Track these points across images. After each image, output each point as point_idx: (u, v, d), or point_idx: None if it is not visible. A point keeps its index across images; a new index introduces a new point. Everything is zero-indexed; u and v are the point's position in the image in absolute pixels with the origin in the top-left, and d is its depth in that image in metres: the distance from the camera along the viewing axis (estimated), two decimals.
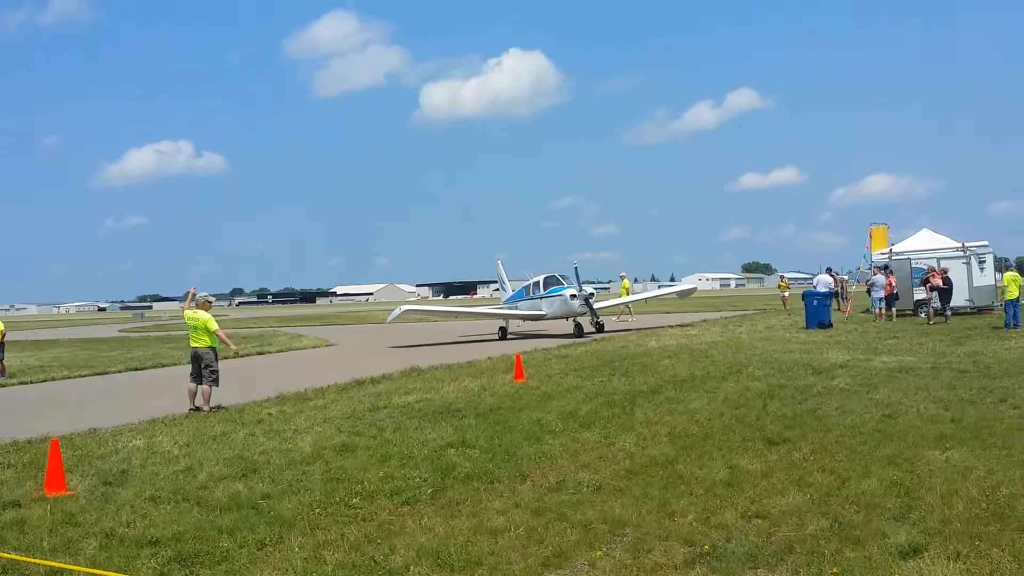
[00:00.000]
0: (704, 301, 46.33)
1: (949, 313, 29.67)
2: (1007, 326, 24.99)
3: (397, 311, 33.97)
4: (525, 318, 33.86)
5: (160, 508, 8.17)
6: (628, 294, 42.42)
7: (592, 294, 31.75)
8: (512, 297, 36.54)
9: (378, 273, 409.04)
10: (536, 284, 33.19)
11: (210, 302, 15.69)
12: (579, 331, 30.73)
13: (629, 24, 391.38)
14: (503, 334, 33.11)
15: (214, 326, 14.94)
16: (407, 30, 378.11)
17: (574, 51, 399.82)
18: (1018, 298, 25.47)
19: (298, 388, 16.69)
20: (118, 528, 7.49)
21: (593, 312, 31.92)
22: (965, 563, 5.76)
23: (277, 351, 30.49)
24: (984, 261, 33.16)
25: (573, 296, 30.57)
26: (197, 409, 14.57)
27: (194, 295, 15.42)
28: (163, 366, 25.72)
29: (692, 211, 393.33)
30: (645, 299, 43.66)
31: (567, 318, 31.91)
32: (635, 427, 11.27)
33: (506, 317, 34.25)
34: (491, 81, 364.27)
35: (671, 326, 33.16)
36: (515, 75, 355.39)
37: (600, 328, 32.50)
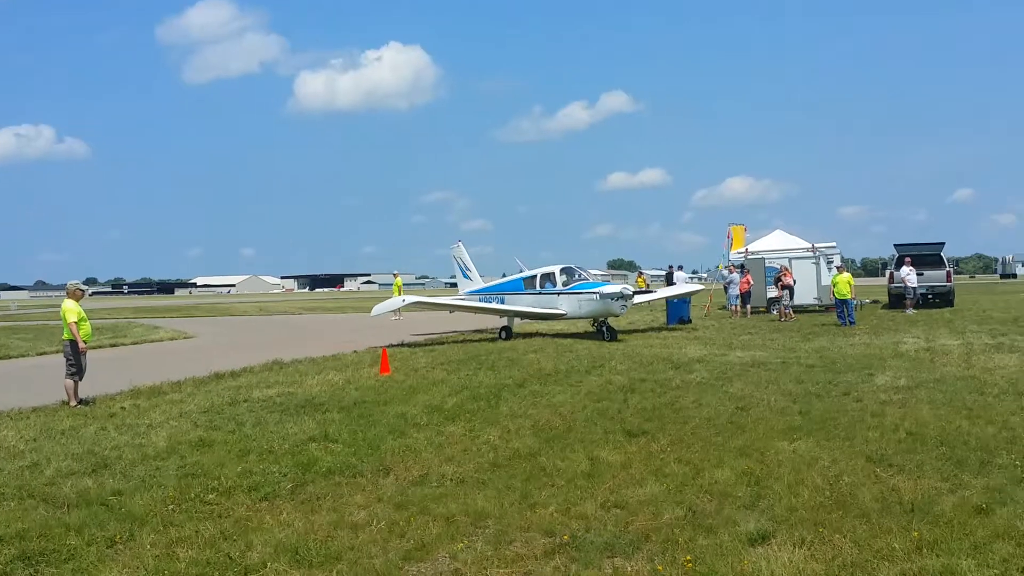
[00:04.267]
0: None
1: (788, 310, 31.30)
2: (843, 323, 26.58)
3: (399, 301, 26.87)
4: (530, 316, 27.35)
5: (3, 505, 7.78)
6: (401, 292, 40.06)
7: (632, 295, 25.37)
8: (493, 288, 29.51)
9: (242, 264, 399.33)
10: (547, 276, 26.52)
11: (82, 290, 14.80)
12: (611, 334, 24.08)
13: (508, 23, 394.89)
14: (508, 334, 25.89)
15: (69, 318, 14.15)
16: (285, 19, 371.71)
17: (453, 48, 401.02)
18: (850, 298, 27.31)
19: (153, 381, 16.10)
20: None
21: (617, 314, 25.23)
22: (809, 549, 6.03)
23: (132, 343, 29.34)
24: (832, 261, 34.86)
25: (612, 296, 24.31)
26: (80, 402, 13.86)
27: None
28: (10, 358, 24.40)
29: (561, 208, 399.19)
30: (649, 300, 34.19)
31: (594, 319, 25.72)
32: (500, 420, 11.35)
33: (509, 314, 26.98)
34: (369, 74, 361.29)
35: (536, 322, 33.48)
36: (394, 68, 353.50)
37: (610, 331, 25.20)
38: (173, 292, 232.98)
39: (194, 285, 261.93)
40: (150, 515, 7.34)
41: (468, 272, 32.18)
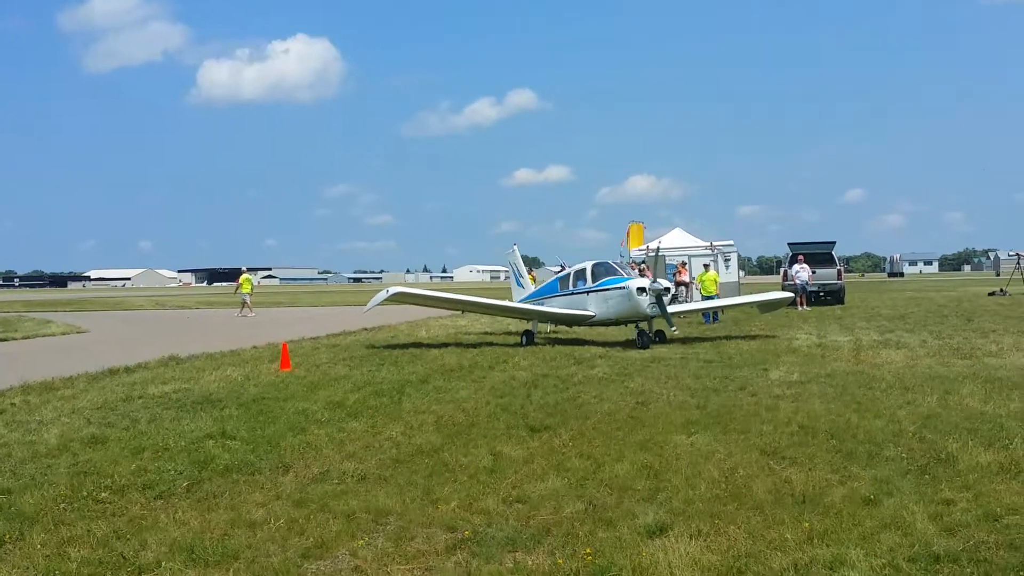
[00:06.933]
0: (473, 292, 46.78)
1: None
2: (707, 320, 27.22)
3: (383, 294, 22.59)
4: (564, 319, 23.55)
5: None
6: (250, 288, 40.01)
7: (668, 289, 21.67)
8: (538, 293, 25.42)
9: (138, 257, 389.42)
10: (579, 274, 22.98)
11: None
12: (643, 340, 20.53)
13: (417, 19, 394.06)
14: (529, 338, 22.22)
15: None
16: (191, 8, 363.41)
17: (361, 41, 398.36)
18: (715, 295, 28.28)
19: (45, 377, 15.53)
20: None
21: (666, 314, 21.07)
22: (705, 540, 6.15)
23: (23, 337, 28.29)
24: (729, 259, 35.72)
25: (641, 290, 20.69)
26: None
27: None
28: None
29: (467, 204, 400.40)
30: (720, 307, 28.27)
31: (626, 323, 22.21)
32: (403, 416, 11.29)
33: (532, 315, 23.34)
34: (275, 65, 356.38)
35: (440, 317, 33.49)
36: (301, 61, 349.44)
37: (660, 336, 22.05)
38: (66, 285, 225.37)
39: (88, 278, 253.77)
40: (41, 514, 7.08)
41: (521, 279, 27.97)
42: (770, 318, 28.61)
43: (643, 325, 21.34)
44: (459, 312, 31.82)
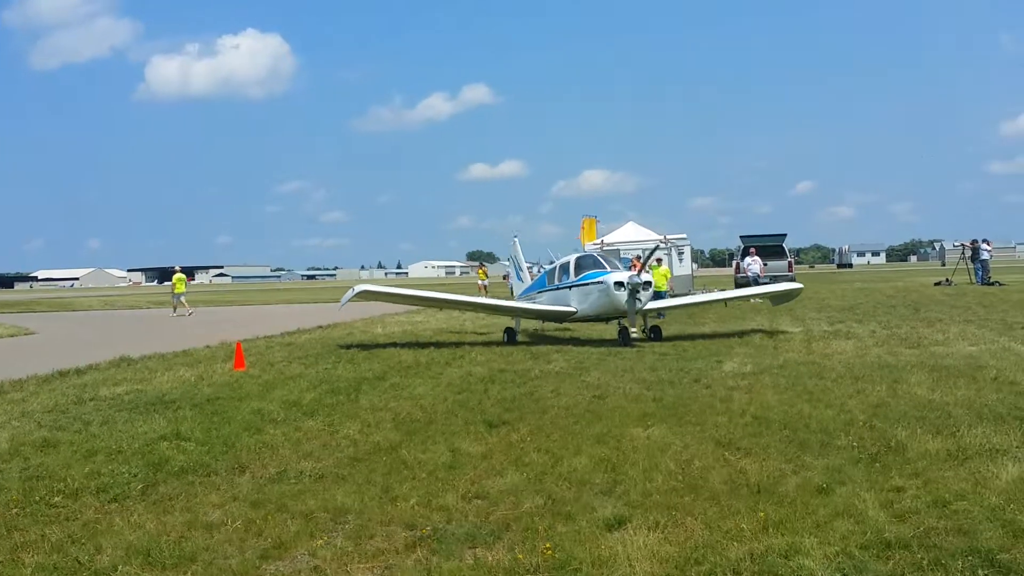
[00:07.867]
0: (431, 288, 46.41)
1: None
2: (659, 316, 27.36)
3: (351, 292, 21.27)
4: (546, 316, 22.34)
5: None
6: (184, 287, 39.72)
7: (648, 283, 20.03)
8: (531, 288, 23.98)
9: (87, 256, 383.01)
10: (564, 267, 21.67)
11: None
12: (625, 337, 19.52)
13: (369, 13, 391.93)
14: (511, 336, 21.44)
15: None
16: (139, 3, 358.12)
17: (312, 36, 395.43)
18: (664, 291, 28.12)
19: None
20: None
21: (633, 309, 19.35)
22: (663, 532, 6.22)
23: None
24: (683, 252, 36.00)
25: (620, 285, 19.29)
26: None
27: None
28: None
29: (421, 199, 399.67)
30: (725, 300, 27.37)
31: (607, 320, 21.06)
32: (360, 414, 11.25)
33: (515, 312, 22.25)
34: (225, 61, 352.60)
35: (396, 314, 33.35)
36: (251, 56, 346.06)
37: (655, 334, 21.04)
38: (12, 286, 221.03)
39: (35, 279, 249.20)
40: None
41: (521, 272, 26.82)
42: (723, 310, 28.87)
43: (625, 322, 19.92)
44: (415, 308, 31.71)
